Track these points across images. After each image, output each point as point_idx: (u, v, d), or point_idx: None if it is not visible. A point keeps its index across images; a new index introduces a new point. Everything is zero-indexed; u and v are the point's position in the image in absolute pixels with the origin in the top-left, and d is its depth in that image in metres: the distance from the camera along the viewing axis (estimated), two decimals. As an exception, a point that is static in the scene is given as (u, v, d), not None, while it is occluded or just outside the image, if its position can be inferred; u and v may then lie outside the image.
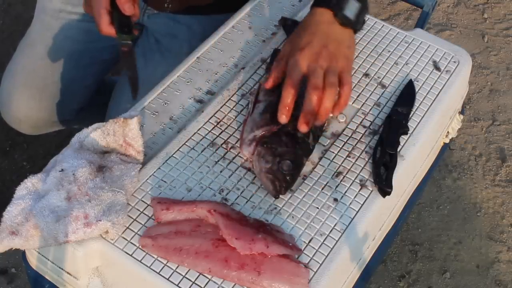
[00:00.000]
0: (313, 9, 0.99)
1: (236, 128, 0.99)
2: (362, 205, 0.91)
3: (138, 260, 0.82)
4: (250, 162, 0.93)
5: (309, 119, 0.89)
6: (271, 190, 0.88)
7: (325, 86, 0.90)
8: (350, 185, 0.93)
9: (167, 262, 0.82)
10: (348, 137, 0.99)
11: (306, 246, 0.86)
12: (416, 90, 1.07)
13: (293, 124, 0.92)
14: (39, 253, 0.88)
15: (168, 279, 0.81)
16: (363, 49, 1.12)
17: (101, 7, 1.00)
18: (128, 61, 1.01)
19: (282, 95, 0.91)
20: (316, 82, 0.90)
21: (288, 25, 1.12)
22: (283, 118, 0.90)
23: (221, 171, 0.93)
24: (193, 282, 0.81)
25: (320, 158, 0.96)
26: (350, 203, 0.91)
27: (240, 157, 0.95)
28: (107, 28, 1.01)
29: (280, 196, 0.89)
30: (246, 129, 0.94)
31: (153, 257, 0.82)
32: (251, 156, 0.92)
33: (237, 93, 1.03)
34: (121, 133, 0.91)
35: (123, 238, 0.84)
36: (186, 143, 0.96)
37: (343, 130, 1.00)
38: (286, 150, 0.90)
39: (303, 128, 0.89)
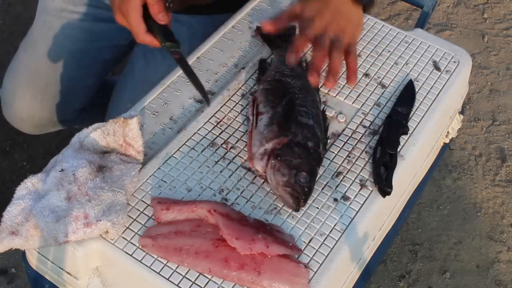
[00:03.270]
0: None
1: (236, 128, 0.99)
2: (362, 205, 0.91)
3: (138, 260, 0.82)
4: (264, 176, 0.91)
5: (315, 73, 0.93)
6: (291, 203, 0.87)
7: (332, 48, 0.96)
8: (350, 185, 0.93)
9: (167, 262, 0.82)
10: (348, 137, 0.99)
11: (306, 246, 0.86)
12: (416, 90, 1.07)
13: (302, 134, 0.92)
14: (39, 253, 0.88)
15: (168, 279, 0.81)
16: (363, 49, 1.12)
17: (137, 15, 0.98)
18: (184, 68, 0.99)
19: (296, 39, 0.97)
20: (324, 43, 0.95)
21: (265, 34, 1.10)
22: (291, 59, 0.96)
23: (221, 171, 0.93)
24: (193, 282, 0.81)
25: (320, 158, 0.96)
26: (350, 203, 0.91)
27: (240, 157, 0.95)
28: (145, 36, 0.99)
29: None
30: (254, 143, 0.92)
31: (153, 257, 0.82)
32: (264, 170, 0.90)
33: (237, 93, 1.03)
34: (121, 133, 0.91)
35: (123, 238, 0.84)
36: (186, 143, 0.96)
37: (343, 130, 1.00)
38: (300, 161, 0.89)
39: (313, 79, 0.93)
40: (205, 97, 0.98)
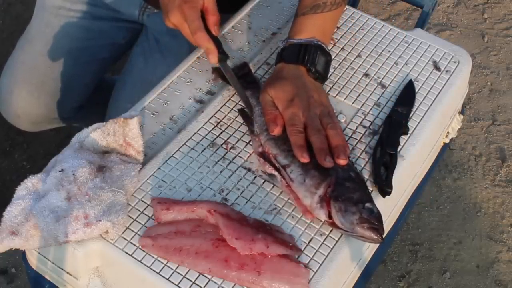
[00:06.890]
0: (285, 64, 1.00)
1: (236, 128, 0.99)
2: (362, 205, 0.91)
3: (138, 260, 0.82)
4: (329, 223, 0.87)
5: (328, 157, 0.89)
6: (374, 237, 0.84)
7: (326, 127, 0.93)
8: (350, 185, 0.93)
9: (167, 262, 0.82)
10: (348, 137, 0.99)
11: (306, 246, 0.86)
12: (416, 90, 1.07)
13: (340, 167, 0.90)
14: (39, 253, 0.88)
15: (168, 279, 0.81)
16: (363, 49, 1.12)
17: (199, 13, 0.98)
18: (230, 79, 1.01)
19: (293, 141, 0.91)
20: (317, 124, 0.92)
21: (225, 76, 1.03)
22: (305, 157, 0.89)
23: (221, 171, 0.93)
24: (193, 282, 0.81)
25: (320, 158, 0.95)
26: (350, 203, 0.91)
27: (240, 157, 0.95)
28: (203, 34, 0.97)
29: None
30: (304, 196, 0.88)
31: (153, 257, 0.82)
32: (328, 216, 0.86)
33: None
34: (121, 133, 0.91)
35: (123, 238, 0.84)
36: (186, 143, 0.96)
37: (343, 130, 1.00)
38: (359, 194, 0.87)
39: (328, 163, 0.88)
40: (249, 109, 0.98)
